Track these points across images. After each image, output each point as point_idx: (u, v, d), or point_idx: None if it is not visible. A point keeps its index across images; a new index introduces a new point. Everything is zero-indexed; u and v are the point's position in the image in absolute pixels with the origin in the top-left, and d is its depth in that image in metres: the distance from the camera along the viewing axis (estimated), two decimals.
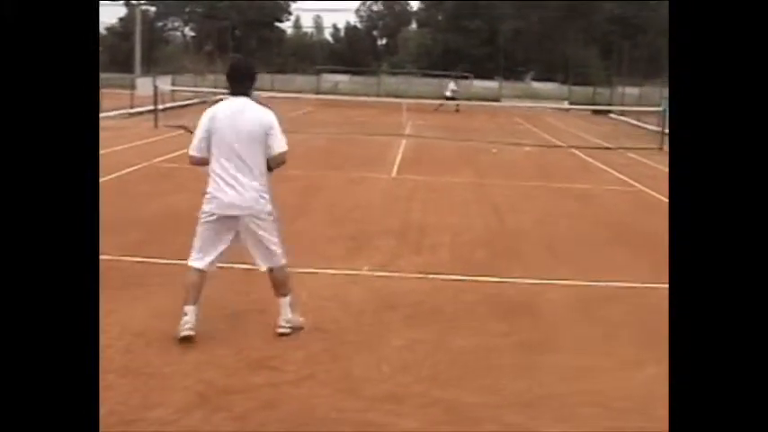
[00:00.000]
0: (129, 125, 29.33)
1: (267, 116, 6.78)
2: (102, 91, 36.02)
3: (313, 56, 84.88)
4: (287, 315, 7.18)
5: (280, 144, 6.79)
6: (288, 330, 7.15)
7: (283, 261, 7.14)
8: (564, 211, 15.26)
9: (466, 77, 65.33)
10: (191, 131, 7.14)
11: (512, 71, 75.67)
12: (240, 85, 6.69)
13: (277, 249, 7.05)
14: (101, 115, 31.05)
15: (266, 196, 6.86)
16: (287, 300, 7.20)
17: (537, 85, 72.28)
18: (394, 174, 19.58)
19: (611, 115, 47.56)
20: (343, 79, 67.51)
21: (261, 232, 6.91)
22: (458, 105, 47.53)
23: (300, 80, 67.71)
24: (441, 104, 47.14)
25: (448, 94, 51.04)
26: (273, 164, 6.84)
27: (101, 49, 67.22)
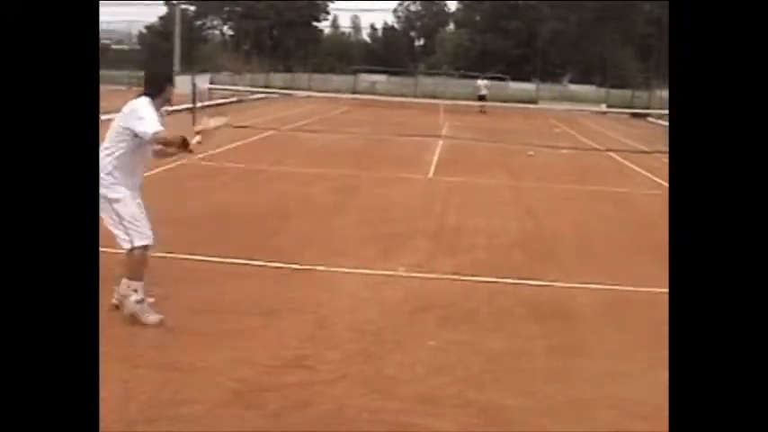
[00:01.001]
0: (167, 122, 29.45)
1: (134, 104, 7.21)
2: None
3: (350, 56, 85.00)
4: (123, 290, 7.22)
5: (141, 127, 7.10)
6: (116, 302, 7.30)
7: (126, 246, 7.14)
8: (600, 214, 15.20)
9: (502, 79, 65.04)
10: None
11: (549, 73, 75.36)
12: (145, 87, 7.42)
13: (117, 233, 7.09)
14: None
15: (104, 178, 6.91)
16: (127, 282, 7.19)
17: (574, 87, 71.90)
18: (430, 175, 19.58)
19: (650, 119, 47.22)
20: (380, 79, 67.54)
21: (101, 211, 6.98)
22: (483, 106, 46.62)
23: (337, 80, 67.84)
24: (481, 106, 46.55)
25: (483, 92, 50.58)
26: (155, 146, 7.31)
27: (140, 47, 67.24)
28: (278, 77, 65.52)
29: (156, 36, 76.63)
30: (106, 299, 7.71)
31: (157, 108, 7.33)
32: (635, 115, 48.86)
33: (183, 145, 7.24)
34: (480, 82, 52.97)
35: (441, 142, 27.71)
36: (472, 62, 74.61)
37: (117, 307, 7.30)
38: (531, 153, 25.75)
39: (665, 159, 25.58)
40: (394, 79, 68.88)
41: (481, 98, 48.57)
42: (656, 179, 20.74)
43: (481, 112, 46.49)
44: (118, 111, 7.27)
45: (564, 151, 27.21)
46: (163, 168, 17.55)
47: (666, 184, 19.35)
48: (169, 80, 7.63)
